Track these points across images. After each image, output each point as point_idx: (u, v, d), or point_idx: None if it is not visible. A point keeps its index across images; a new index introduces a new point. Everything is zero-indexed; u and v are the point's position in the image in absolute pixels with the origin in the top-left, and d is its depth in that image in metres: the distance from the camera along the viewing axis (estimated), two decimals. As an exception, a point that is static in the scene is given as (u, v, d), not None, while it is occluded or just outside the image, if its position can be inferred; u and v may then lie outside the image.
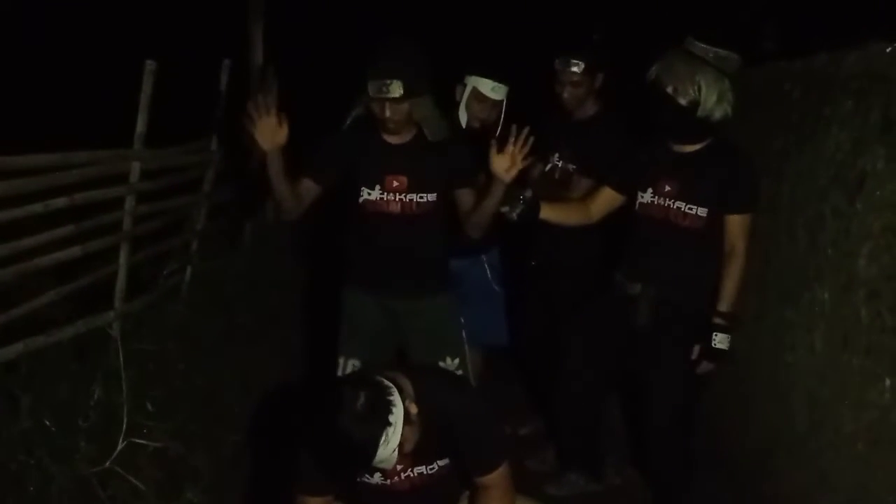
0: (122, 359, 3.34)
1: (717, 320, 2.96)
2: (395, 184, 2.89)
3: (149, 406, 3.51)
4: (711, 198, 2.93)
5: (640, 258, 3.08)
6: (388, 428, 2.01)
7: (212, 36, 6.51)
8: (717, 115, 2.87)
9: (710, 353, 2.98)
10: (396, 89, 2.70)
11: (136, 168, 3.76)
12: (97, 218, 3.59)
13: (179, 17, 8.07)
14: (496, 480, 2.31)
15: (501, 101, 3.61)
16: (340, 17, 7.49)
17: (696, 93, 2.83)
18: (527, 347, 4.18)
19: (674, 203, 2.97)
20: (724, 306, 2.96)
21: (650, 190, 3.03)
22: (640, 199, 3.07)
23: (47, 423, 3.11)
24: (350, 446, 2.00)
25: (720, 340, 2.94)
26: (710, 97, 2.84)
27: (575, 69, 3.59)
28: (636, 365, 3.20)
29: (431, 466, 2.30)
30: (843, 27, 3.52)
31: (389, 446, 2.02)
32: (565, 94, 3.66)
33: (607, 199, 3.18)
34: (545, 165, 3.87)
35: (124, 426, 3.24)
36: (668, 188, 2.98)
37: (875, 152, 2.53)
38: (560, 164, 3.81)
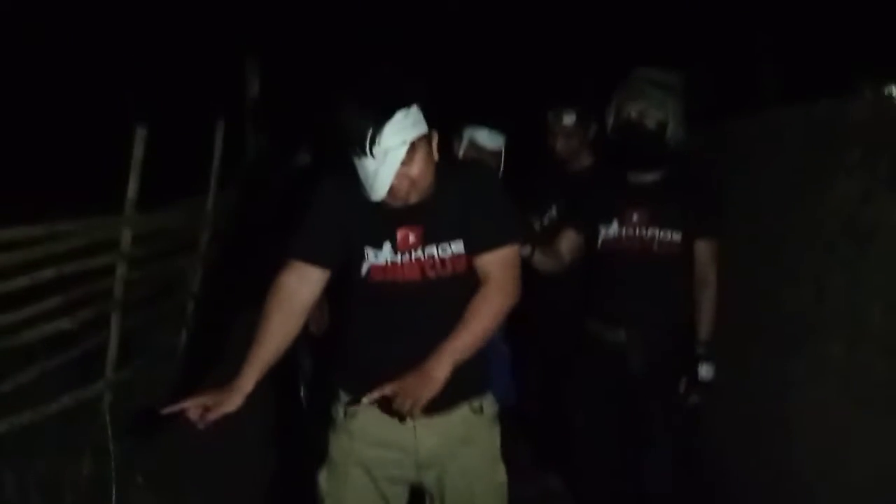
0: (110, 432, 3.24)
1: (700, 350, 2.89)
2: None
3: (139, 479, 3.40)
4: (683, 222, 2.87)
5: (615, 299, 2.94)
6: (413, 107, 1.82)
7: (207, 77, 6.52)
8: (678, 137, 2.86)
9: (698, 385, 2.90)
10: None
11: (126, 234, 3.69)
12: (87, 287, 3.50)
13: (173, 60, 8.10)
14: (500, 261, 2.01)
15: (499, 151, 3.58)
16: (337, 60, 7.52)
17: (665, 115, 2.82)
18: (528, 404, 4.09)
19: (647, 230, 2.88)
20: (704, 335, 2.89)
21: (616, 221, 2.92)
22: (604, 235, 2.94)
23: (33, 500, 3.00)
24: (372, 97, 1.79)
25: (706, 371, 2.88)
26: (677, 118, 2.84)
27: (567, 120, 3.58)
28: (630, 409, 3.05)
29: (444, 248, 2.00)
30: (846, 71, 3.47)
31: (403, 132, 1.80)
32: (559, 146, 3.64)
33: (570, 239, 3.05)
34: (542, 219, 3.81)
35: (113, 501, 3.12)
36: (636, 217, 2.89)
37: (886, 204, 2.44)
38: (557, 216, 3.74)
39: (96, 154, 5.94)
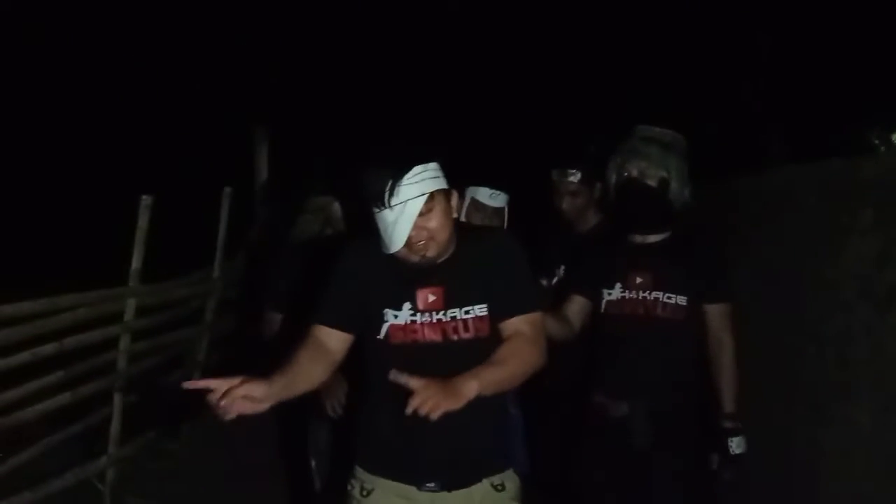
0: (111, 513, 3.14)
1: (728, 423, 2.71)
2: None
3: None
4: (689, 285, 2.70)
5: (617, 368, 2.79)
6: (432, 164, 1.89)
7: (216, 159, 6.56)
8: (683, 198, 2.73)
9: (730, 461, 2.73)
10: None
11: (131, 305, 3.65)
12: (89, 361, 3.44)
13: (184, 143, 8.19)
14: (529, 322, 2.01)
15: (502, 209, 3.55)
16: (346, 138, 7.58)
17: (666, 173, 2.71)
18: (543, 470, 3.97)
19: (650, 294, 2.72)
20: (729, 407, 2.71)
21: (619, 285, 2.78)
22: (607, 297, 2.80)
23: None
24: (391, 153, 1.88)
25: (737, 444, 2.70)
26: (679, 176, 2.72)
27: (572, 179, 3.55)
28: (638, 485, 2.81)
29: (467, 310, 1.99)
30: (850, 131, 3.45)
31: (421, 185, 1.86)
32: (564, 205, 3.61)
33: (578, 304, 2.90)
34: (550, 280, 3.76)
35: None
36: (639, 280, 2.74)
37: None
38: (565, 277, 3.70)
39: (101, 225, 5.95)
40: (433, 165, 1.90)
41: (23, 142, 7.72)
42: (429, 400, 1.77)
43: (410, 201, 1.85)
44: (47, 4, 7.92)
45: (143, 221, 3.68)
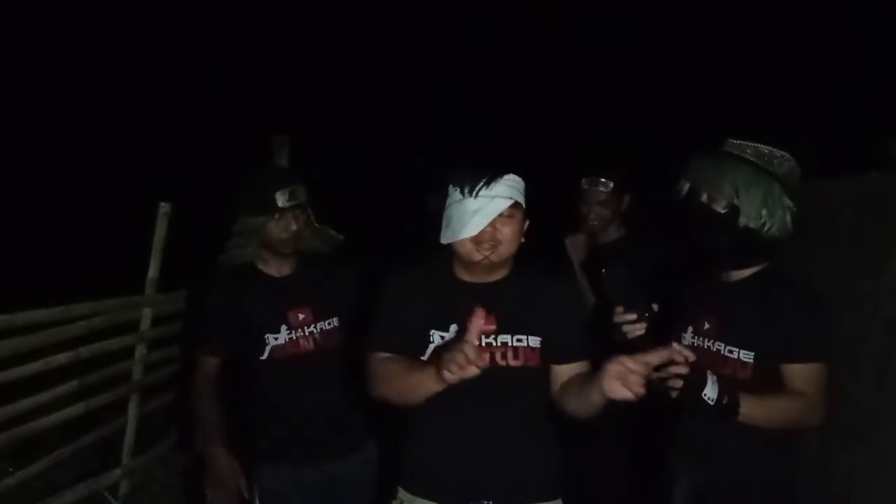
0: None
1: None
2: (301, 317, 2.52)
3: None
4: (759, 338, 2.19)
5: (684, 424, 2.33)
6: (523, 182, 1.92)
7: (235, 168, 6.52)
8: (768, 227, 2.19)
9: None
10: (302, 194, 2.53)
11: (147, 315, 3.60)
12: (103, 371, 3.39)
13: (203, 151, 8.18)
14: (581, 368, 2.01)
15: None
16: (365, 152, 7.55)
17: (734, 195, 2.20)
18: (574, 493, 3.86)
19: (713, 344, 2.27)
20: (746, 408, 2.07)
21: (690, 329, 2.34)
22: (683, 342, 2.34)
23: None
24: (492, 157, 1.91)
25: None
26: (752, 199, 2.19)
27: (603, 189, 3.46)
28: None
29: (518, 339, 1.97)
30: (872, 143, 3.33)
31: (511, 190, 1.89)
32: (591, 214, 3.51)
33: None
34: (646, 310, 3.67)
35: None
36: (707, 325, 2.30)
37: (949, 283, 2.26)
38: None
39: (118, 233, 5.92)
40: (523, 185, 1.93)
41: (41, 150, 7.75)
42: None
43: (498, 199, 1.87)
44: (75, 17, 7.97)
45: (160, 229, 3.63)
